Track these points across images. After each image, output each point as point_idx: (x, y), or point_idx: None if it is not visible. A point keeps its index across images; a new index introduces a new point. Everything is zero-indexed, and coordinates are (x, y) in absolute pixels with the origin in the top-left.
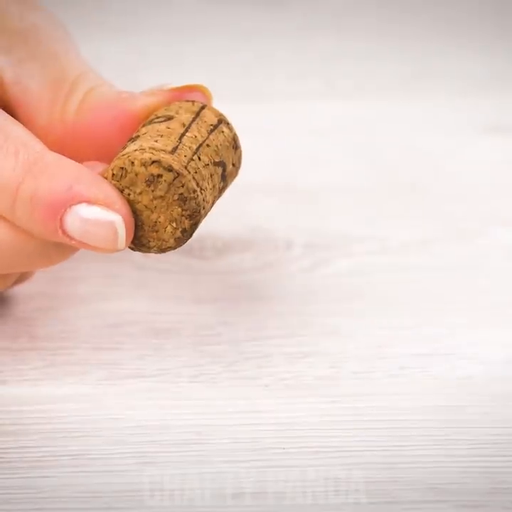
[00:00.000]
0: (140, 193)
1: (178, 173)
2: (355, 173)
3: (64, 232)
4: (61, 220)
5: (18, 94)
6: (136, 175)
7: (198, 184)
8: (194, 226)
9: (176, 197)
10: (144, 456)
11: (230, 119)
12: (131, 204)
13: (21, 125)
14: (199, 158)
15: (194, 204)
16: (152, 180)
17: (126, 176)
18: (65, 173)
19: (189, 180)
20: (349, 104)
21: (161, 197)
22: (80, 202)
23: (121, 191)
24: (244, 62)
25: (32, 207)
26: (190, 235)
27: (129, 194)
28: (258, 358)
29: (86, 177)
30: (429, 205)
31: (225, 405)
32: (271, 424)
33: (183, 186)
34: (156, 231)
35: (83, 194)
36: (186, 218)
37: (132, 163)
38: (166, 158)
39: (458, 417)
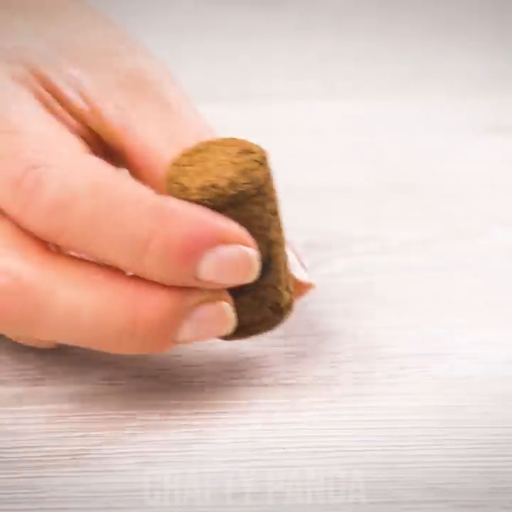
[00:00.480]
0: (225, 153)
1: (264, 159)
2: (355, 173)
3: (197, 277)
4: (196, 264)
5: (129, 140)
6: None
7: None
8: (223, 196)
9: (247, 165)
10: (144, 456)
11: (230, 126)
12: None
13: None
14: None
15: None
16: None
17: (225, 143)
18: (193, 218)
19: (263, 169)
20: (349, 104)
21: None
22: (216, 244)
23: (199, 151)
24: (242, 63)
25: (165, 254)
26: (220, 200)
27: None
28: (258, 358)
29: (213, 219)
30: (428, 205)
31: (225, 405)
32: (271, 423)
33: (259, 163)
34: (203, 174)
35: (218, 235)
36: (231, 179)
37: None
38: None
39: (458, 417)
